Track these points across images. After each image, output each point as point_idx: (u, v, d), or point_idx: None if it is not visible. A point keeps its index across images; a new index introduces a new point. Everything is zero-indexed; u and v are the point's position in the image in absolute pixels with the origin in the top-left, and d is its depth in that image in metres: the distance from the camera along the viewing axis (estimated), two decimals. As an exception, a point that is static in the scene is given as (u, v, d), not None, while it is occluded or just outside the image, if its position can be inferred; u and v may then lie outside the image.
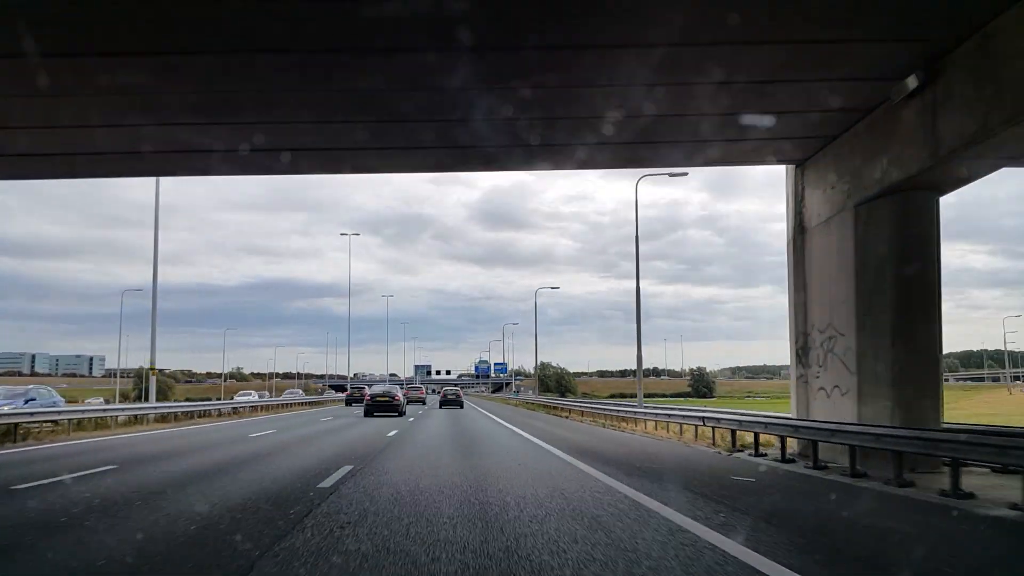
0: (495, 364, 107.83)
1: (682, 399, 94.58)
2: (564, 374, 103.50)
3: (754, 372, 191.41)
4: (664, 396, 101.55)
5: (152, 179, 27.54)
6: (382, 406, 31.74)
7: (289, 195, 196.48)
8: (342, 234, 59.06)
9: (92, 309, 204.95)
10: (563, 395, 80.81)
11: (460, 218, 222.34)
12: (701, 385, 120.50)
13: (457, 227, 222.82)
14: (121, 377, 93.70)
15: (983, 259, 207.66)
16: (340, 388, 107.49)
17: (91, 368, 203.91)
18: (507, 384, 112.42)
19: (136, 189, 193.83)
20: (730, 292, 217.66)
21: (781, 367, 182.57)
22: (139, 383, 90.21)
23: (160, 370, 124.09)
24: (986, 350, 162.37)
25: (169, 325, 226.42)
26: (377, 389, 35.56)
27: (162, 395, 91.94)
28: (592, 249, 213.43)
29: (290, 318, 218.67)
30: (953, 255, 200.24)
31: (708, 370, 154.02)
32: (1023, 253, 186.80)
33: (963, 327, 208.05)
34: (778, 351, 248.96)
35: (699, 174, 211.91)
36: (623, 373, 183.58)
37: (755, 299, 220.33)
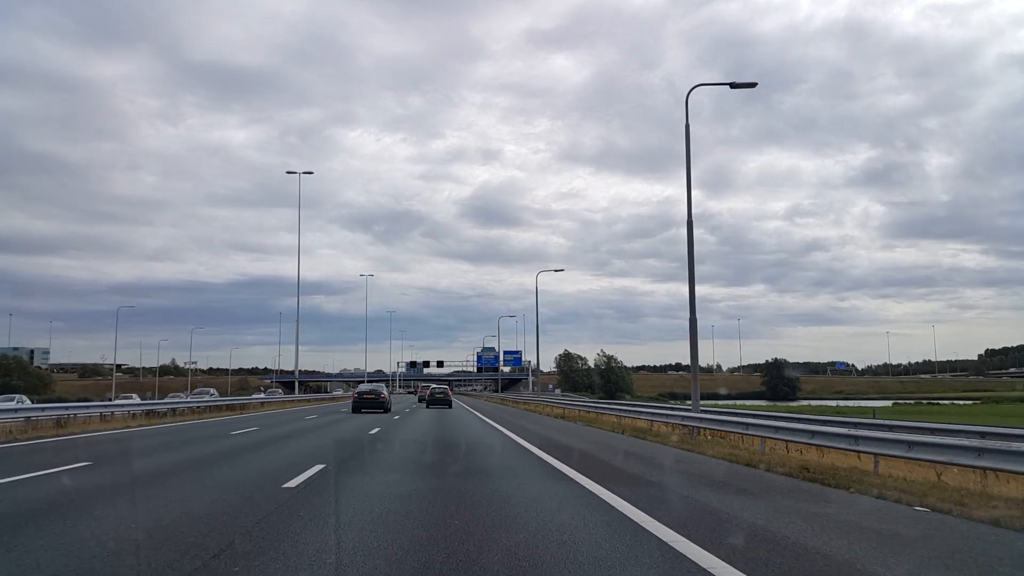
0: (505, 353, 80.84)
1: (765, 404, 69.72)
2: (616, 368, 75.48)
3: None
4: (729, 399, 76.42)
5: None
6: (369, 402, 34.07)
7: (277, 190, 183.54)
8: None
9: (83, 307, 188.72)
10: (612, 396, 55.98)
11: (451, 215, 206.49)
12: (781, 384, 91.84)
13: (448, 224, 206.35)
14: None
15: (975, 258, 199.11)
16: (298, 385, 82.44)
17: (32, 362, 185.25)
18: (519, 380, 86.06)
19: (121, 184, 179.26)
20: (723, 291, 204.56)
21: (791, 363, 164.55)
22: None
23: (54, 365, 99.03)
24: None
25: (156, 322, 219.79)
26: (364, 387, 38.70)
27: (36, 391, 71.01)
28: (584, 247, 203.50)
29: (280, 315, 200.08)
30: (945, 254, 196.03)
31: (724, 368, 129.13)
32: (1015, 252, 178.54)
33: (955, 327, 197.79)
34: (774, 349, 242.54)
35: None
36: (637, 370, 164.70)
37: (748, 297, 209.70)
